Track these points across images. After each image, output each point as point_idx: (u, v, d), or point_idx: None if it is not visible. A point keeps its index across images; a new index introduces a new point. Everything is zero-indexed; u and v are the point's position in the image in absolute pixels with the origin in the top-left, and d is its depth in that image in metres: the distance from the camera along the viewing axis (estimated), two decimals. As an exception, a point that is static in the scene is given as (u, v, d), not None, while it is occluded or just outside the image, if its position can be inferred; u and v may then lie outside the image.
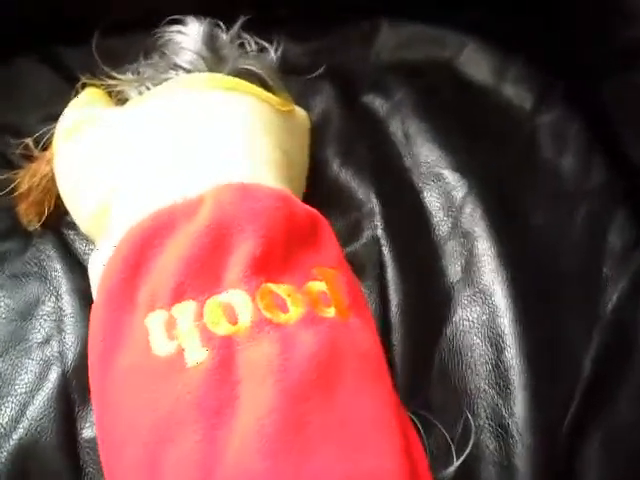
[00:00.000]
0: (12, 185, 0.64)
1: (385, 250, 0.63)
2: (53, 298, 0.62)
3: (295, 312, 0.46)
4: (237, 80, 0.56)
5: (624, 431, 0.56)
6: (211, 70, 0.57)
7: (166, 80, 0.57)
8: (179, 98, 0.55)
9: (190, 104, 0.55)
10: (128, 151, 0.55)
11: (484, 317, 0.60)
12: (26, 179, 0.64)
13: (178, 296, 0.46)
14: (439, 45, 0.77)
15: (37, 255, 0.64)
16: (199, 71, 0.57)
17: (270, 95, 0.58)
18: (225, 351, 0.44)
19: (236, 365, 0.44)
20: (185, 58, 0.57)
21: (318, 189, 0.65)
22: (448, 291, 0.62)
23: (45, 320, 0.61)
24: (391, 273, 0.62)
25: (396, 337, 0.60)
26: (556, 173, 0.70)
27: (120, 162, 0.55)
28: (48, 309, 0.62)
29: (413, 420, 0.51)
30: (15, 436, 0.56)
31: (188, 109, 0.55)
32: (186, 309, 0.46)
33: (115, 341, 0.47)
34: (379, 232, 0.64)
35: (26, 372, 0.59)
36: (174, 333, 0.45)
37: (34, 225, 0.65)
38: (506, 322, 0.59)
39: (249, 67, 0.58)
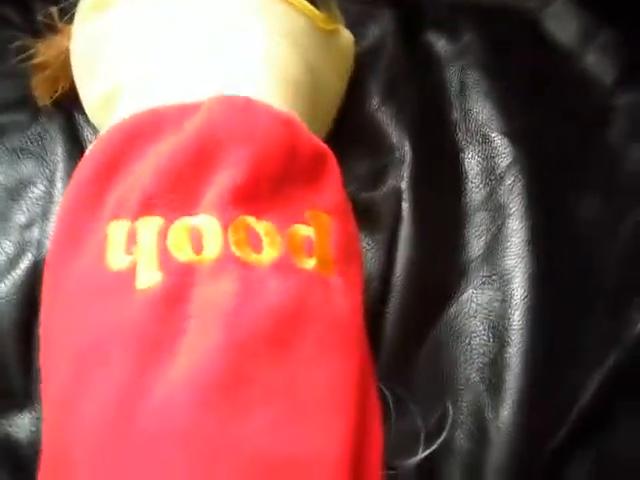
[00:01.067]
0: (28, 53, 0.60)
1: (405, 205, 0.57)
2: (46, 182, 0.59)
3: (268, 254, 0.41)
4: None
5: (617, 465, 0.49)
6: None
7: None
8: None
9: None
10: (144, 39, 0.49)
11: (494, 304, 0.54)
12: (43, 50, 0.59)
13: (146, 209, 0.41)
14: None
15: (41, 133, 0.61)
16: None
17: (311, 7, 0.52)
18: (180, 279, 0.39)
19: (189, 298, 0.39)
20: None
21: (349, 123, 0.59)
22: (463, 265, 0.56)
23: (32, 203, 0.58)
24: (405, 232, 0.56)
25: (392, 303, 0.54)
26: (619, 164, 0.61)
27: (134, 50, 0.49)
28: (38, 192, 0.58)
29: (385, 397, 0.46)
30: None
31: (217, 1, 0.48)
32: (151, 224, 0.41)
33: (74, 244, 0.43)
34: (404, 184, 0.58)
35: (0, 252, 0.56)
36: (132, 248, 0.41)
37: (45, 101, 0.61)
38: (517, 316, 0.53)
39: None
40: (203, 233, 0.40)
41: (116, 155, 0.43)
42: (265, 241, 0.41)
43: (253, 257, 0.40)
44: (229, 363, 0.37)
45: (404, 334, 0.54)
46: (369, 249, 0.56)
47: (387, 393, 0.48)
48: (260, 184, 0.42)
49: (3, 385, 0.53)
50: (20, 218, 0.57)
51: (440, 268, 0.56)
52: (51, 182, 0.58)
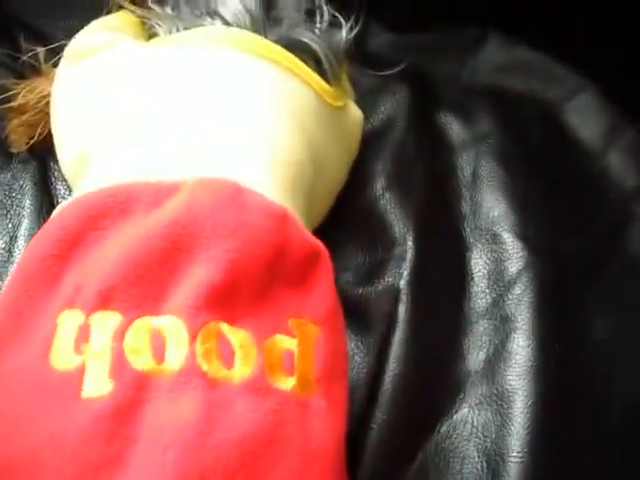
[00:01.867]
0: (8, 94, 0.55)
1: (402, 307, 0.51)
2: (7, 238, 0.53)
3: (240, 371, 0.35)
4: (281, 51, 0.44)
5: None
6: (255, 31, 0.45)
7: (199, 26, 0.45)
8: (202, 53, 0.44)
9: (212, 64, 0.44)
10: (126, 99, 0.44)
11: (491, 428, 0.48)
12: (23, 93, 0.54)
13: (104, 301, 0.35)
14: (549, 80, 0.63)
15: (10, 182, 0.55)
16: (240, 27, 0.45)
17: (319, 80, 0.47)
18: (134, 392, 0.33)
19: (141, 417, 0.33)
20: (229, 8, 0.45)
21: (349, 207, 0.54)
22: (460, 380, 0.50)
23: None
24: (399, 336, 0.50)
25: (377, 417, 0.48)
26: (638, 277, 0.56)
27: (114, 109, 0.44)
28: (-5, 248, 0.52)
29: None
30: None
31: (206, 70, 0.43)
32: (108, 321, 0.35)
33: (18, 329, 0.37)
34: (402, 283, 0.52)
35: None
36: (83, 346, 0.35)
37: (20, 147, 0.56)
38: (516, 446, 0.47)
39: (304, 40, 0.46)
40: (167, 338, 0.35)
41: (78, 233, 0.37)
42: (238, 354, 0.35)
43: (222, 373, 0.34)
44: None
45: (388, 453, 0.48)
46: (357, 352, 0.50)
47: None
48: (240, 286, 0.36)
49: None
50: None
51: (434, 381, 0.50)
52: (12, 238, 0.53)
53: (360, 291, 0.52)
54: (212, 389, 0.34)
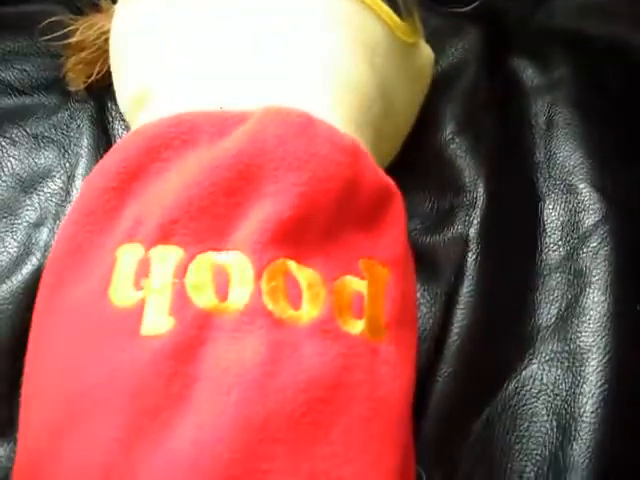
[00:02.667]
0: (65, 30, 0.53)
1: (471, 257, 0.49)
2: (64, 177, 0.52)
3: (308, 312, 0.33)
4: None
5: None
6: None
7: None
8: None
9: None
10: (187, 31, 0.42)
11: (563, 386, 0.46)
12: (81, 30, 0.52)
13: (165, 235, 0.33)
14: (634, 25, 0.59)
15: (67, 121, 0.54)
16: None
17: (392, 14, 0.44)
18: (195, 331, 0.32)
19: (202, 355, 0.31)
20: None
21: (417, 153, 0.51)
22: (530, 335, 0.48)
23: (46, 199, 0.51)
24: (467, 287, 0.48)
25: (443, 371, 0.46)
26: None
27: (174, 42, 0.42)
28: (54, 187, 0.51)
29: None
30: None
31: None
32: (168, 256, 0.33)
33: (76, 263, 0.35)
34: (472, 231, 0.50)
35: (3, 252, 0.49)
36: (143, 281, 0.33)
37: (77, 85, 0.54)
38: (589, 406, 0.44)
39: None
40: (231, 275, 0.33)
41: (138, 164, 0.35)
42: (306, 295, 0.33)
43: (289, 313, 0.33)
44: (240, 449, 0.30)
45: (453, 408, 0.46)
46: (424, 303, 0.48)
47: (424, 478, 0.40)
48: (309, 222, 0.34)
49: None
50: (30, 215, 0.50)
51: (503, 335, 0.48)
52: (70, 178, 0.51)
53: (428, 239, 0.49)
54: (278, 330, 0.32)
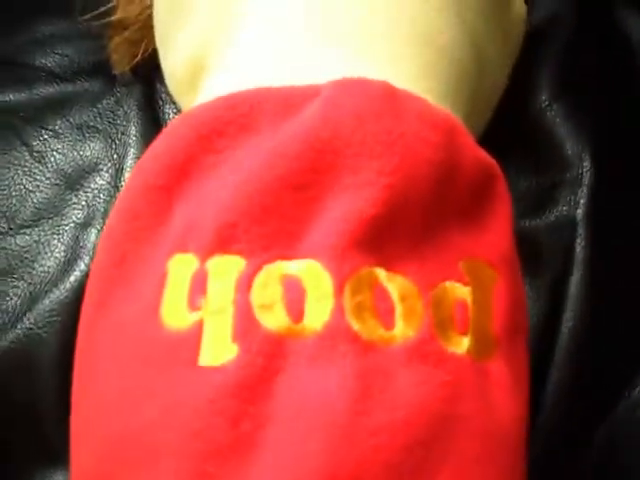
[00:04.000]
0: (106, 7, 0.48)
1: (579, 242, 0.42)
2: (112, 170, 0.46)
3: (403, 331, 0.27)
4: None
5: None
6: None
7: None
8: None
9: None
10: None
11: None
12: (122, 5, 0.47)
13: (223, 243, 0.28)
14: None
15: (114, 108, 0.48)
16: None
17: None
18: (265, 360, 0.26)
19: (274, 390, 0.26)
20: None
21: (507, 124, 0.44)
22: (656, 334, 0.40)
23: (94, 196, 0.46)
24: (577, 279, 0.41)
25: (552, 379, 0.39)
26: None
27: (226, 8, 0.35)
28: (102, 182, 0.46)
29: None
30: (11, 334, 0.42)
31: None
32: (229, 268, 0.27)
33: (122, 277, 0.30)
34: (579, 213, 0.42)
35: (49, 256, 0.44)
36: (199, 301, 0.27)
37: (123, 67, 0.49)
38: None
39: None
40: (306, 289, 0.27)
41: (187, 157, 0.29)
42: (399, 309, 0.27)
43: (380, 334, 0.26)
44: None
45: (564, 425, 0.39)
46: (527, 298, 0.41)
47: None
48: (399, 218, 0.28)
49: (35, 431, 0.41)
50: (77, 214, 0.46)
51: (622, 335, 0.40)
52: (118, 171, 0.46)
53: (527, 223, 0.42)
54: (367, 355, 0.26)
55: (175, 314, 0.28)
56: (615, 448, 0.39)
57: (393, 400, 0.25)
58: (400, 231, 0.28)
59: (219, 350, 0.26)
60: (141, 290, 0.29)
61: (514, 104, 0.45)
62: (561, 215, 0.42)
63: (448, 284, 0.28)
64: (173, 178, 0.29)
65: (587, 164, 0.43)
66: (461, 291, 0.28)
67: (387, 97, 0.29)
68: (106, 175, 0.46)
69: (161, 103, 0.49)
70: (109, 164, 0.46)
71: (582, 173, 0.43)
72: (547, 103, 0.45)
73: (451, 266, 0.29)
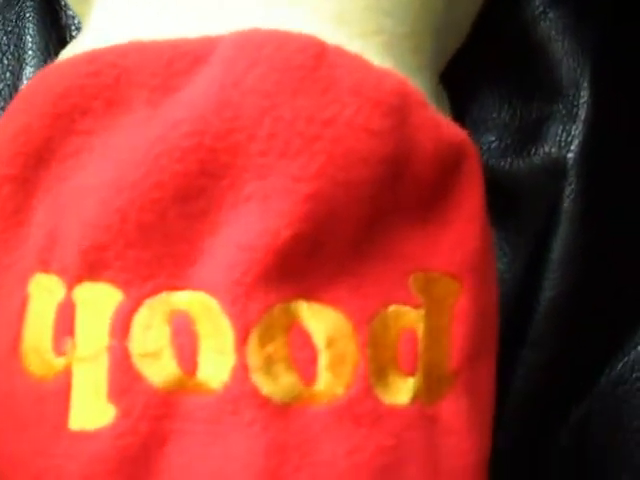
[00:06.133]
0: None
1: (569, 192, 0.35)
2: (6, 93, 0.38)
3: (329, 387, 0.21)
4: None
5: None
6: None
7: None
8: None
9: None
10: None
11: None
12: None
13: (93, 267, 0.21)
14: None
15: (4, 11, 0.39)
16: None
17: None
18: (150, 426, 0.20)
19: (162, 465, 0.20)
20: None
21: (492, 35, 0.36)
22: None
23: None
24: (563, 236, 0.35)
25: (529, 352, 0.34)
26: None
27: None
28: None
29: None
30: None
31: None
32: (101, 301, 0.21)
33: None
34: (571, 155, 0.35)
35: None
36: (66, 343, 0.21)
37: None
38: None
39: None
40: (200, 332, 0.20)
41: (43, 140, 0.22)
42: (325, 358, 0.21)
43: (297, 392, 0.20)
44: None
45: (539, 402, 0.34)
46: (501, 258, 0.35)
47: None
48: (326, 236, 0.21)
49: None
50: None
51: (610, 303, 0.35)
52: (13, 93, 0.38)
53: (506, 164, 0.35)
54: (281, 422, 0.20)
55: (38, 357, 0.21)
56: (591, 428, 0.34)
57: (316, 477, 0.20)
58: (326, 250, 0.21)
59: (92, 410, 0.20)
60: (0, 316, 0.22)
61: (498, 10, 0.36)
62: (548, 157, 0.35)
63: (392, 309, 0.22)
64: (29, 166, 0.22)
65: (585, 93, 0.35)
66: (409, 317, 0.22)
67: (312, 61, 0.20)
68: (-1, 98, 0.38)
69: (61, 8, 0.40)
70: (1, 85, 0.38)
71: (578, 105, 0.35)
72: (541, 10, 0.37)
73: (398, 284, 0.22)
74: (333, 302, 0.21)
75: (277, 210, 0.20)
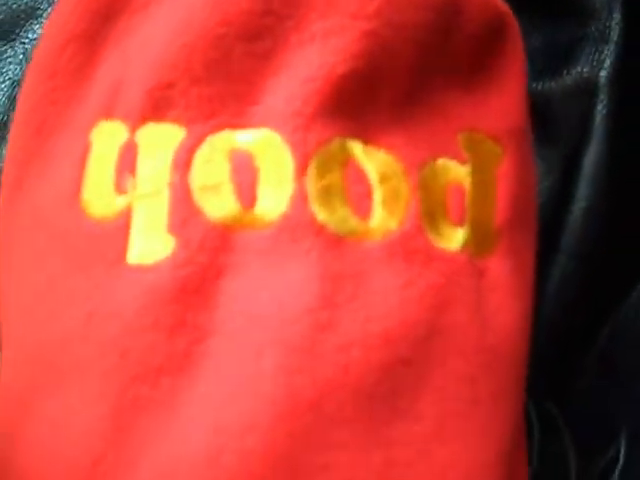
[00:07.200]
0: None
1: (601, 110, 0.36)
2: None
3: (382, 222, 0.21)
4: None
5: None
6: None
7: None
8: None
9: None
10: None
11: None
12: None
13: (157, 107, 0.22)
14: None
15: None
16: None
17: None
18: (208, 258, 0.21)
19: (219, 295, 0.21)
20: None
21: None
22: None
23: (33, 47, 0.39)
24: (595, 151, 0.35)
25: (560, 263, 0.34)
26: None
27: None
28: (42, 32, 0.39)
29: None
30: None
31: None
32: (164, 140, 0.22)
33: (37, 151, 0.24)
34: (603, 75, 0.36)
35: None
36: (127, 181, 0.22)
37: None
38: None
39: None
40: (260, 168, 0.21)
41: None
42: (379, 194, 0.21)
43: (352, 225, 0.21)
44: (282, 438, 0.19)
45: (569, 315, 0.34)
46: (537, 170, 0.35)
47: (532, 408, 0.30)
48: (381, 77, 0.22)
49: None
50: (13, 70, 0.39)
51: (637, 223, 0.35)
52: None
53: (540, 86, 0.36)
54: (336, 252, 0.21)
55: (99, 198, 0.22)
56: (618, 345, 0.35)
57: (368, 308, 0.20)
58: (382, 94, 0.22)
59: (152, 244, 0.21)
60: (60, 166, 0.23)
61: None
62: (581, 77, 0.36)
63: (441, 162, 0.23)
64: (97, 22, 0.23)
65: (617, 15, 0.36)
66: (457, 172, 0.23)
67: None
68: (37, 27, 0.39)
69: None
70: (49, 9, 0.39)
71: (610, 26, 0.36)
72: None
73: (446, 140, 0.23)
74: (386, 146, 0.22)
75: (335, 46, 0.21)
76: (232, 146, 0.21)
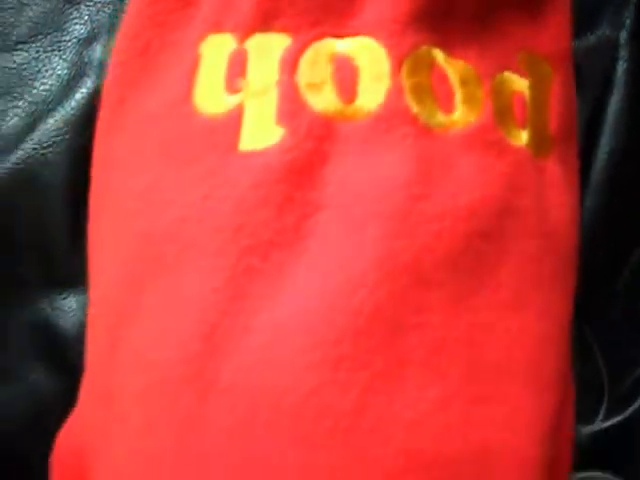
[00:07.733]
0: None
1: (622, 65, 0.39)
2: (117, -21, 0.42)
3: (464, 116, 0.25)
4: None
5: None
6: None
7: None
8: None
9: None
10: None
11: None
12: None
13: (266, 18, 0.25)
14: None
15: None
16: None
17: None
18: (313, 143, 0.24)
19: (324, 176, 0.24)
20: None
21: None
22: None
23: (98, 10, 0.42)
24: (616, 103, 0.39)
25: (590, 203, 0.37)
26: None
27: None
28: (105, -6, 0.42)
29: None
30: (13, 156, 0.40)
31: None
32: (272, 46, 0.25)
33: (146, 67, 0.27)
34: (623, 34, 0.39)
35: (50, 74, 0.41)
36: (239, 83, 0.25)
37: None
38: None
39: None
40: (360, 67, 0.24)
41: None
42: (460, 94, 0.25)
43: (439, 118, 0.24)
44: (383, 299, 0.22)
45: (597, 251, 0.38)
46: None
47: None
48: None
49: (44, 255, 0.39)
50: (79, 29, 0.42)
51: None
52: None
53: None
54: (426, 139, 0.24)
55: (211, 98, 0.25)
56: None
57: (455, 186, 0.24)
58: (458, 12, 0.25)
59: (262, 133, 0.24)
60: (169, 78, 0.26)
61: None
62: (603, 37, 0.39)
63: (507, 75, 0.26)
64: None
65: (635, -20, 0.40)
66: (520, 84, 0.26)
67: None
68: (110, -13, 0.42)
69: None
70: (112, -25, 0.42)
71: (630, -12, 0.40)
72: None
73: (510, 56, 0.26)
74: (464, 57, 0.25)
75: None
76: (333, 51, 0.24)
